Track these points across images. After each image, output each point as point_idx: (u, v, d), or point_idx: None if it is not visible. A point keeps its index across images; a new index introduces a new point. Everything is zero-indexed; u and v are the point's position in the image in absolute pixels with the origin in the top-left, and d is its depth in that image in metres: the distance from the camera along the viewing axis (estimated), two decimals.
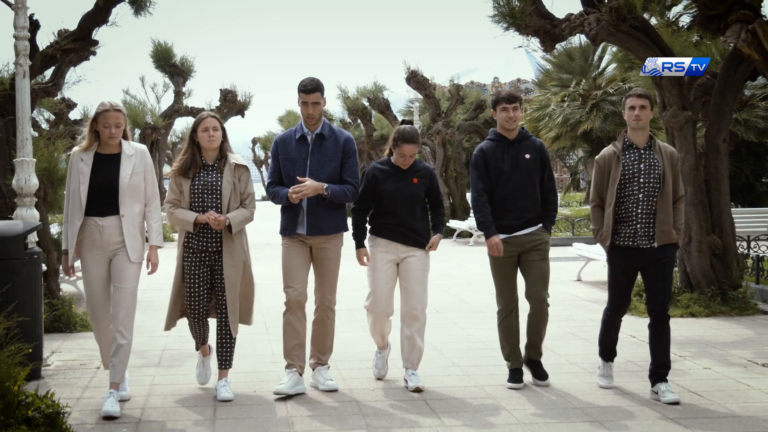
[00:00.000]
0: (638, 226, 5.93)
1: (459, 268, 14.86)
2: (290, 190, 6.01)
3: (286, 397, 6.00)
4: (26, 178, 8.02)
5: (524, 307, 6.30)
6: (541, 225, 6.30)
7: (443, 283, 12.47)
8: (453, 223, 21.72)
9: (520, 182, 6.25)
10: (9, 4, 8.22)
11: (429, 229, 6.38)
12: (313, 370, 6.36)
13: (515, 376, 6.33)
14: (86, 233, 5.75)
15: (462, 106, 26.19)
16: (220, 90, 24.52)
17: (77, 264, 5.94)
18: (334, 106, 35.13)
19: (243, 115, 25.32)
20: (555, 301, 8.45)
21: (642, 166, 5.95)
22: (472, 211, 6.46)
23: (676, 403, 5.79)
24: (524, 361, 6.41)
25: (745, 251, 12.39)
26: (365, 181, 6.32)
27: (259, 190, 11.87)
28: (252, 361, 7.21)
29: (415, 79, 23.53)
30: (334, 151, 6.19)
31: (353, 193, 6.20)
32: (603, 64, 27.34)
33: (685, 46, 10.39)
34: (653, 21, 10.88)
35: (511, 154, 6.27)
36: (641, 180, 5.93)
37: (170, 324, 6.24)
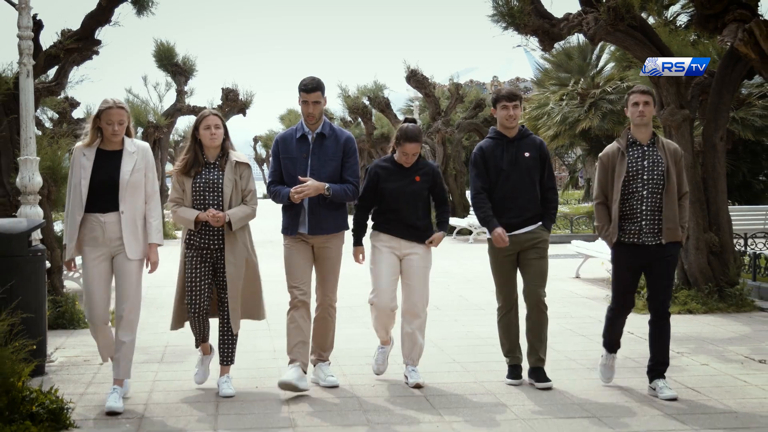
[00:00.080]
0: (643, 223, 5.93)
1: (459, 265, 14.90)
2: (292, 190, 6.03)
3: (290, 399, 5.98)
4: (30, 176, 8.06)
5: (524, 307, 6.34)
6: (540, 223, 6.31)
7: (443, 280, 12.50)
8: (452, 221, 21.72)
9: (519, 180, 6.25)
10: (13, 5, 8.26)
11: (432, 227, 6.37)
12: (314, 366, 6.40)
13: (514, 373, 6.37)
14: (88, 229, 5.75)
15: (461, 104, 26.21)
16: (222, 89, 24.59)
17: (78, 260, 5.97)
18: (334, 105, 35.25)
19: (244, 114, 25.44)
20: (553, 298, 8.49)
21: (645, 162, 5.95)
22: (471, 208, 6.46)
23: (674, 400, 5.84)
24: (528, 372, 6.35)
25: (742, 248, 12.49)
26: (368, 179, 6.33)
27: (261, 188, 11.91)
28: (253, 358, 7.25)
29: (415, 78, 23.55)
30: (335, 151, 6.21)
31: (354, 192, 6.22)
32: (601, 63, 27.31)
33: (683, 45, 10.44)
34: (651, 20, 10.94)
35: (511, 152, 6.28)
36: (645, 177, 5.93)
37: (177, 324, 6.24)
